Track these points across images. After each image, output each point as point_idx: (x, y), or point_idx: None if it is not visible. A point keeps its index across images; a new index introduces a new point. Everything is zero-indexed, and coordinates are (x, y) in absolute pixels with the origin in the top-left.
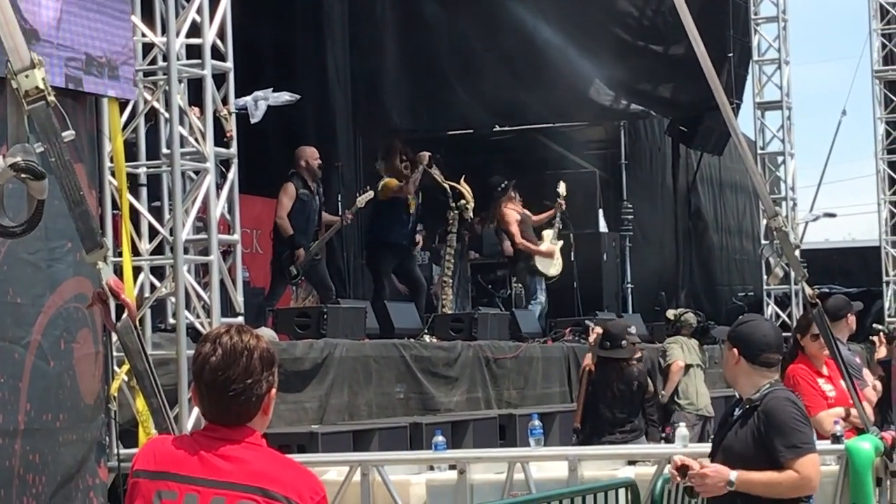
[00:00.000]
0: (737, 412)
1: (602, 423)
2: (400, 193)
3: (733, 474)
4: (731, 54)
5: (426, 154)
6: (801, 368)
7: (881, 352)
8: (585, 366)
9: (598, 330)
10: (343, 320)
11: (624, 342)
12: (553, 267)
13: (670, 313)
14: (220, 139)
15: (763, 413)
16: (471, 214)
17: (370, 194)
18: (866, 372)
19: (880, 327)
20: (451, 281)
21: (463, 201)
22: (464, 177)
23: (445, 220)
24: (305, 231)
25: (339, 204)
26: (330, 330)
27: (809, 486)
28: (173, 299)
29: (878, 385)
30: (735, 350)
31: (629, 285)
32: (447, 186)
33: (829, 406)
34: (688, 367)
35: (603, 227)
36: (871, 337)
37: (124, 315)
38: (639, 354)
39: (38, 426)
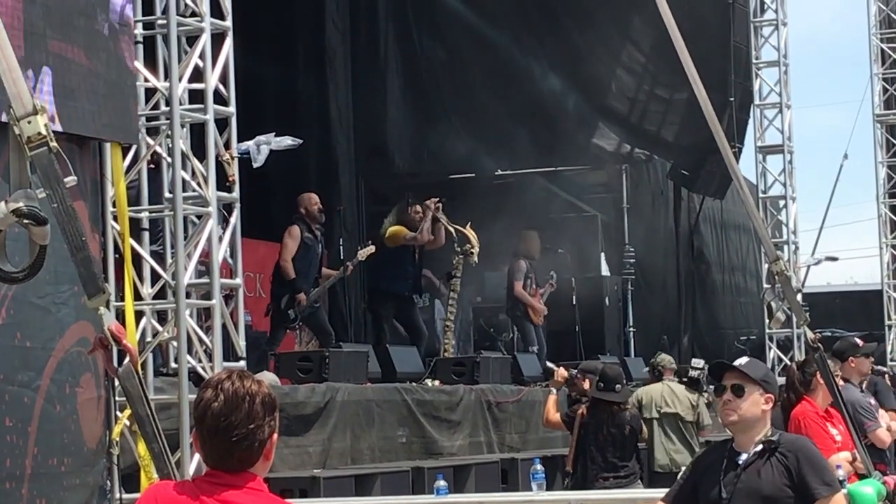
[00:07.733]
0: (745, 456)
1: (593, 466)
2: (412, 243)
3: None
4: (732, 98)
5: (433, 200)
6: (808, 411)
7: None
8: (579, 410)
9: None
10: (345, 364)
11: (618, 386)
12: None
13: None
14: (223, 183)
15: (792, 452)
16: (475, 259)
17: (371, 249)
18: (882, 413)
19: (884, 369)
20: (452, 325)
21: (468, 245)
22: (469, 223)
23: (450, 264)
24: (307, 275)
25: (341, 247)
26: (332, 374)
27: None
28: (175, 343)
29: (895, 426)
30: (770, 395)
31: (631, 329)
32: (453, 231)
33: (837, 450)
34: (650, 420)
35: (605, 270)
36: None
37: (126, 360)
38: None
39: (44, 470)
